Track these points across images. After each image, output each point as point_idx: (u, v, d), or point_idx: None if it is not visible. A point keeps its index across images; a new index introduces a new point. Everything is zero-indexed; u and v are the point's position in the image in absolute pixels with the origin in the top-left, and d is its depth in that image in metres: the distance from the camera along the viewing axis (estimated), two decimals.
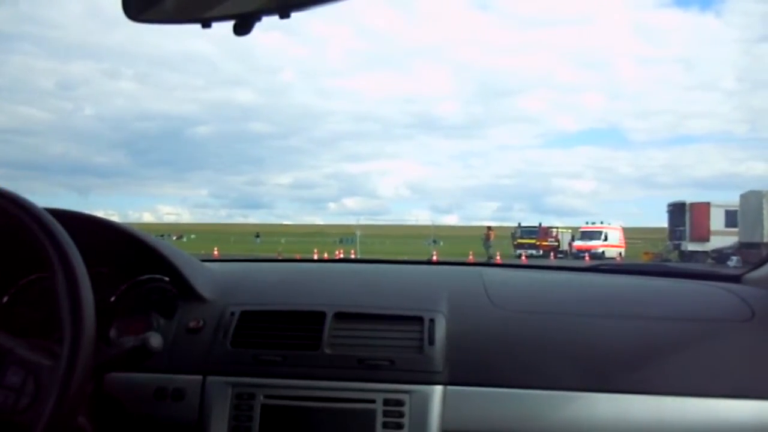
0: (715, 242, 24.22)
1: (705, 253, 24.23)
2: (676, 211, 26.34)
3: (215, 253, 14.29)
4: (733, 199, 24.90)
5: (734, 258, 20.40)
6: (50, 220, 0.91)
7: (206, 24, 0.71)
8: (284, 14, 0.68)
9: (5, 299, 1.26)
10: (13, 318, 1.23)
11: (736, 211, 23.51)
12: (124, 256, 1.29)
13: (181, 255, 1.34)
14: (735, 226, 23.26)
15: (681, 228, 25.64)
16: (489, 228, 27.31)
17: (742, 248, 21.04)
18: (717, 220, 24.64)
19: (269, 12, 0.69)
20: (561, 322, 1.19)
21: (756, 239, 20.45)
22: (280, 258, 2.28)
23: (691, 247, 24.81)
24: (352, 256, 17.74)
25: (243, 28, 0.70)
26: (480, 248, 27.36)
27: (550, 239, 31.42)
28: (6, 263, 1.20)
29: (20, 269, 1.26)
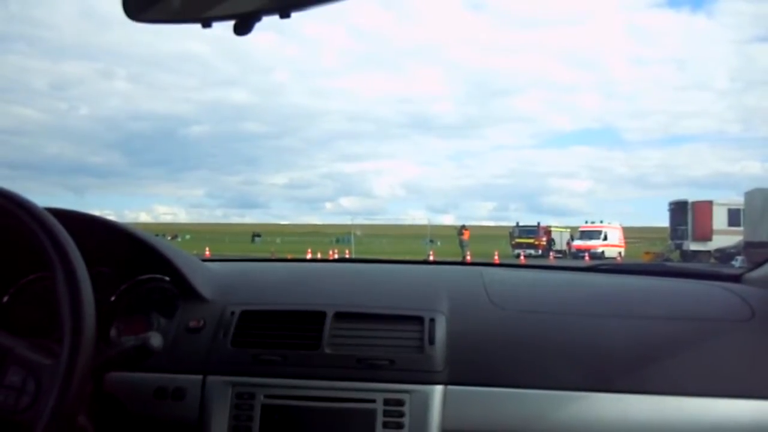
0: (718, 242, 24.09)
1: (708, 252, 24.08)
2: (678, 210, 26.17)
3: (207, 253, 14.25)
4: (735, 198, 24.79)
5: (739, 258, 20.14)
6: (51, 220, 0.91)
7: (206, 24, 0.71)
8: (284, 14, 0.68)
9: (6, 299, 1.26)
10: (13, 317, 1.23)
11: (738, 210, 23.37)
12: (125, 255, 1.29)
13: (182, 255, 1.34)
14: (738, 225, 23.11)
15: (683, 227, 25.48)
16: (463, 227, 26.38)
17: (748, 248, 20.74)
18: (719, 219, 24.48)
19: (269, 12, 0.68)
20: (561, 322, 1.19)
21: (761, 238, 20.01)
22: (278, 258, 2.27)
23: (694, 246, 24.66)
24: (347, 256, 17.73)
25: (243, 28, 0.69)
26: (478, 248, 27.22)
27: (544, 239, 31.23)
28: (6, 263, 1.20)
29: (21, 269, 1.26)
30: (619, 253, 28.79)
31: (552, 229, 33.46)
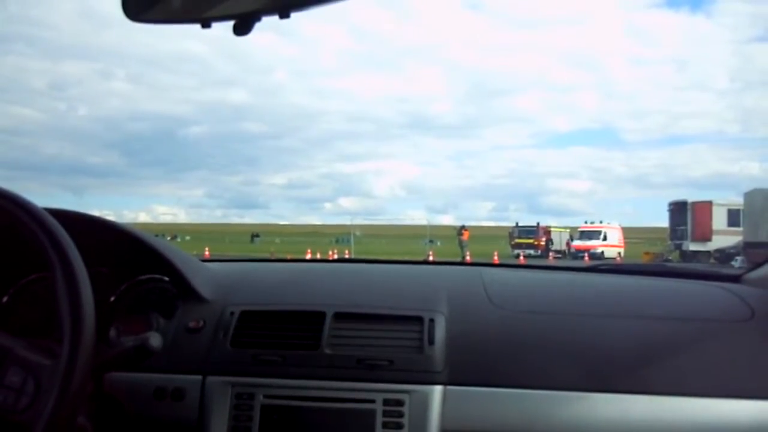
0: (718, 242, 24.09)
1: (707, 253, 24.07)
2: (678, 210, 26.17)
3: (206, 253, 14.22)
4: (734, 198, 24.81)
5: (738, 258, 20.15)
6: (50, 220, 0.91)
7: (206, 24, 0.71)
8: (284, 14, 0.68)
9: (5, 299, 1.26)
10: (13, 318, 1.23)
11: (738, 210, 23.37)
12: (124, 256, 1.29)
13: (181, 255, 1.34)
14: (737, 225, 23.11)
15: (682, 227, 25.48)
16: (463, 227, 26.47)
17: (747, 248, 20.69)
18: (719, 220, 24.47)
19: (269, 12, 0.68)
20: (561, 322, 1.19)
21: (761, 238, 19.92)
22: (278, 258, 2.27)
23: (693, 247, 24.66)
24: (347, 256, 17.71)
25: (243, 28, 0.69)
26: (478, 248, 27.21)
27: (544, 239, 31.20)
28: (6, 263, 1.20)
29: (20, 269, 1.26)
30: (619, 253, 28.77)
31: (551, 229, 33.43)
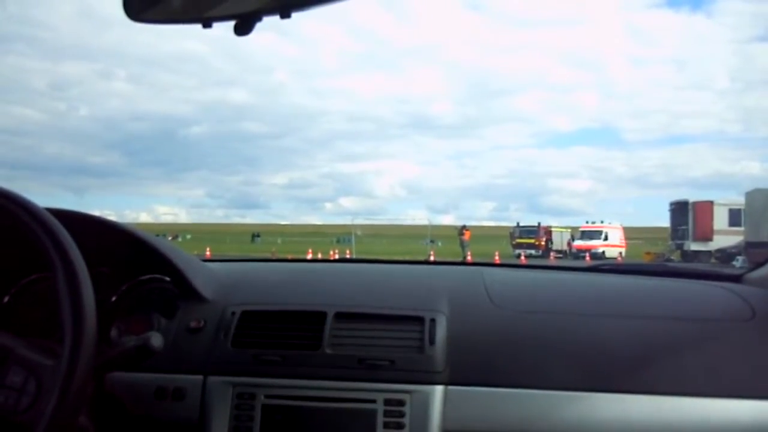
0: (719, 242, 24.08)
1: (708, 252, 24.08)
2: (679, 210, 26.17)
3: (207, 253, 14.20)
4: (735, 198, 24.81)
5: (740, 258, 20.15)
6: (51, 220, 0.91)
7: (207, 24, 0.71)
8: (285, 14, 0.68)
9: (6, 299, 1.26)
10: (14, 318, 1.23)
11: (739, 210, 23.39)
12: (125, 256, 1.29)
13: (182, 255, 1.34)
14: (738, 225, 23.12)
15: (684, 227, 25.48)
16: (464, 227, 26.63)
17: (748, 248, 20.69)
18: (720, 219, 24.48)
19: (270, 12, 0.68)
20: (562, 322, 1.19)
21: (762, 238, 19.92)
22: (279, 258, 2.27)
23: (694, 246, 24.66)
24: (348, 256, 17.73)
25: (243, 28, 0.70)
26: (479, 248, 27.21)
27: (545, 239, 31.19)
28: (7, 263, 1.21)
29: (21, 269, 1.26)
30: (620, 253, 28.77)
31: (552, 229, 33.42)
